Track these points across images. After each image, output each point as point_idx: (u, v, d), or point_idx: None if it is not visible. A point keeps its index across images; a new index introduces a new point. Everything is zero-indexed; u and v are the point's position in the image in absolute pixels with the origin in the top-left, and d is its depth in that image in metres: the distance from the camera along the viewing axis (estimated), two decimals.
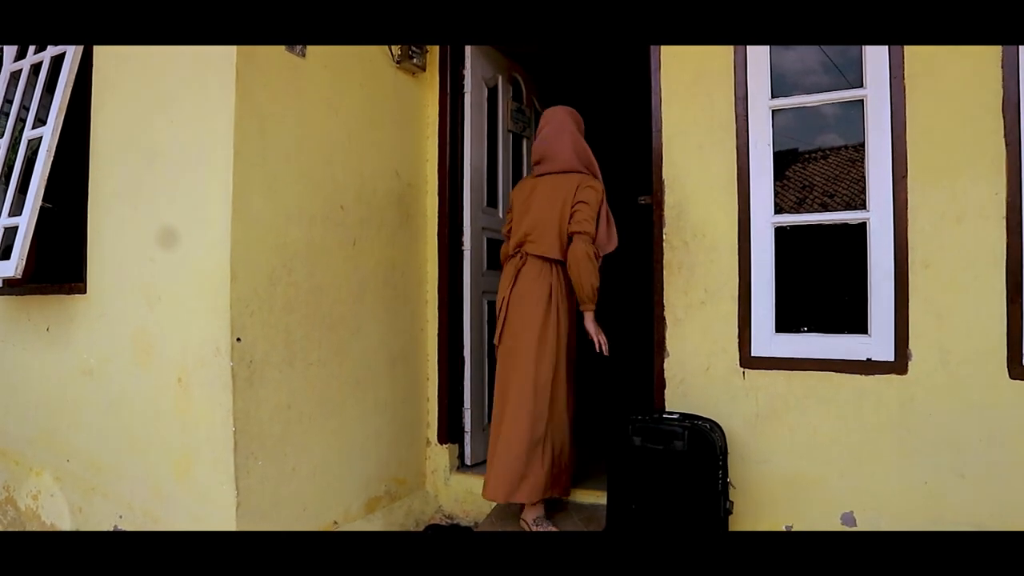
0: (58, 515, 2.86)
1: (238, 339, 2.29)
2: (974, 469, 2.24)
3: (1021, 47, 2.18)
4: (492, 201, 3.57)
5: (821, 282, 2.76)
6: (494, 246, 3.52)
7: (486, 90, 3.48)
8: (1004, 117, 2.20)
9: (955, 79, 2.27)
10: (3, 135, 2.98)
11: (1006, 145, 2.19)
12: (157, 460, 2.50)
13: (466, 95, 3.34)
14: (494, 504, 3.00)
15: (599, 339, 2.69)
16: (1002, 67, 2.20)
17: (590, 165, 2.77)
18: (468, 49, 3.36)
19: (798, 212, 2.66)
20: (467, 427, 3.32)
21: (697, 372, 2.64)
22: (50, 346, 2.92)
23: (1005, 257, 2.20)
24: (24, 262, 2.62)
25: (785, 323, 2.55)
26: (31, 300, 3.01)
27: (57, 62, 2.84)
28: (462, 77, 3.35)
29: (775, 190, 2.60)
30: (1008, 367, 2.20)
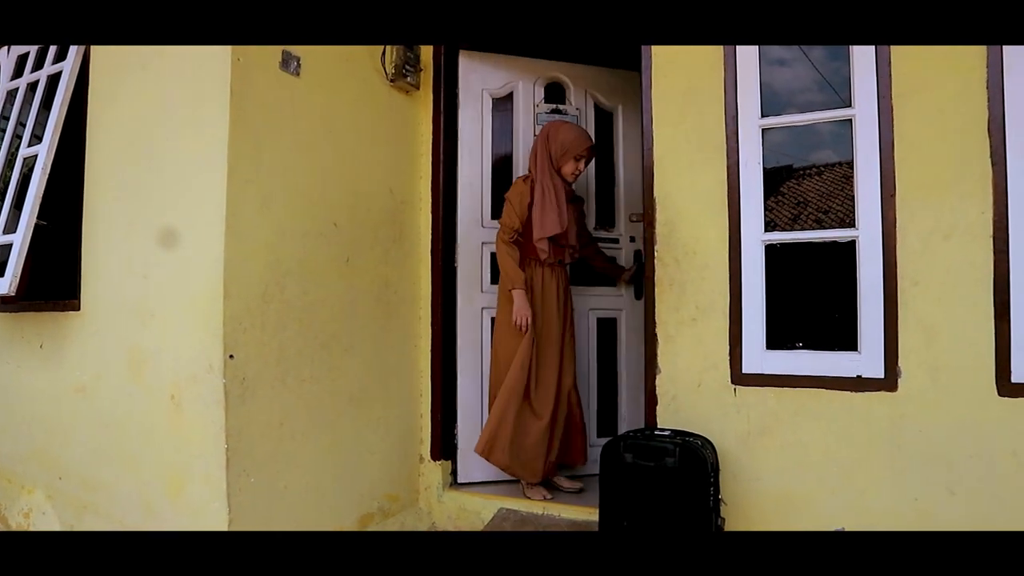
0: None
1: (231, 356, 2.29)
2: (964, 486, 2.25)
3: (1004, 71, 2.21)
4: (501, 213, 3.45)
5: (812, 299, 2.78)
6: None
7: (490, 101, 3.47)
8: (990, 137, 2.22)
9: (942, 99, 2.30)
10: None
11: (992, 165, 2.22)
12: (150, 478, 2.50)
13: (460, 111, 3.37)
14: (488, 520, 2.99)
15: (517, 317, 3.03)
16: (987, 88, 2.22)
17: (535, 166, 3.14)
18: (460, 64, 3.39)
19: (792, 229, 2.68)
20: (459, 444, 3.32)
21: (689, 389, 2.65)
22: (43, 363, 2.92)
23: (992, 275, 2.22)
24: (18, 279, 2.63)
25: (776, 340, 2.56)
26: (24, 317, 3.01)
27: (54, 80, 2.86)
28: (457, 93, 3.37)
29: (770, 207, 2.62)
30: (997, 384, 2.21)
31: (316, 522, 2.63)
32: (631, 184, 3.54)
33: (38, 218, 2.69)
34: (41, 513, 2.90)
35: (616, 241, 3.58)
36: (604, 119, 3.67)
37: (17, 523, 2.98)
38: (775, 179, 2.70)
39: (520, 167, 3.51)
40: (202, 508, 2.33)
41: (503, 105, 3.52)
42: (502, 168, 3.50)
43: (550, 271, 3.15)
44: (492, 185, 3.46)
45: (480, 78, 3.44)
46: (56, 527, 2.82)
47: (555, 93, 3.63)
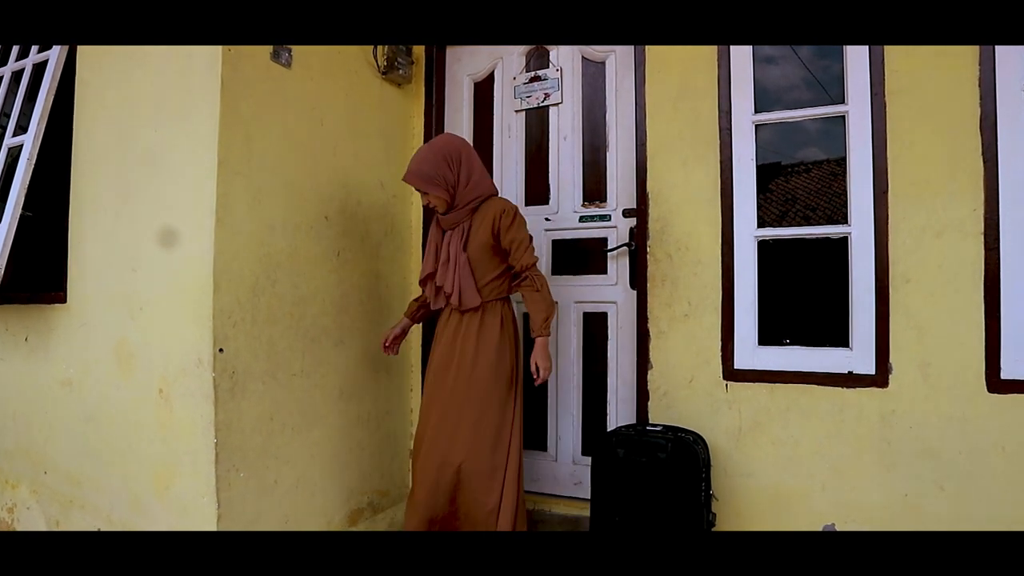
0: (34, 528, 2.81)
1: (220, 350, 2.27)
2: (953, 481, 2.27)
3: (996, 69, 2.22)
4: None
5: (804, 295, 2.79)
6: None
7: (471, 86, 3.38)
8: (982, 135, 2.23)
9: (934, 97, 2.31)
10: None
11: (983, 162, 2.23)
12: (137, 472, 2.47)
13: (446, 103, 3.35)
14: None
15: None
16: (979, 86, 2.24)
17: None
18: (447, 56, 3.36)
19: (780, 225, 2.68)
20: None
21: (681, 384, 2.66)
22: (28, 357, 2.88)
23: (983, 272, 2.23)
24: (2, 271, 2.59)
25: (768, 336, 2.57)
26: (9, 310, 2.97)
27: (39, 69, 2.81)
28: (444, 85, 3.34)
29: (759, 204, 2.62)
30: (986, 380, 2.23)
31: (306, 517, 2.61)
32: (625, 147, 2.97)
33: (23, 209, 2.64)
34: (26, 508, 2.86)
35: (608, 218, 3.00)
36: (594, 72, 3.12)
37: (1, 518, 2.95)
38: (764, 176, 2.69)
39: (499, 151, 3.31)
40: (191, 503, 2.31)
41: (484, 87, 3.37)
42: (483, 155, 3.23)
43: (458, 317, 2.55)
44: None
45: (463, 66, 3.38)
46: (41, 523, 2.78)
47: (538, 60, 3.25)
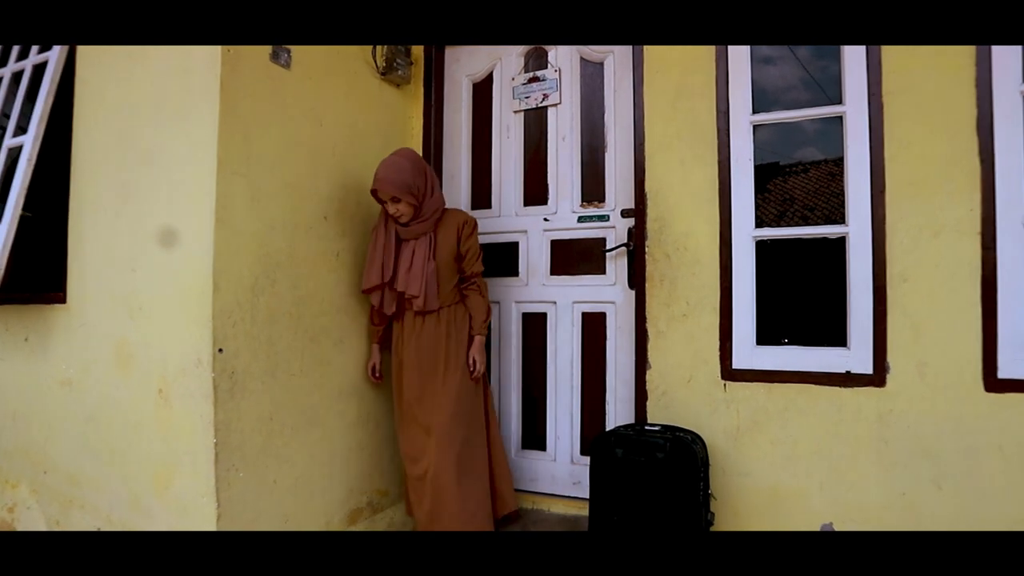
0: (34, 528, 2.81)
1: (220, 350, 2.27)
2: (951, 480, 2.27)
3: (993, 70, 2.23)
4: (485, 201, 3.35)
5: (801, 295, 2.80)
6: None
7: (470, 86, 3.40)
8: (978, 135, 2.24)
9: (932, 97, 2.32)
10: None
11: (980, 162, 2.24)
12: (137, 472, 2.47)
13: (444, 103, 3.36)
14: None
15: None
16: (976, 87, 2.25)
17: None
18: (445, 56, 3.37)
19: (779, 225, 2.69)
20: None
21: (679, 384, 2.66)
22: (28, 357, 2.88)
23: (980, 272, 2.24)
24: (2, 271, 2.59)
25: (766, 336, 2.57)
26: (9, 310, 2.97)
27: (39, 70, 2.82)
28: (442, 86, 3.35)
29: (757, 204, 2.63)
30: (983, 380, 2.23)
31: (305, 517, 2.61)
32: (623, 148, 3.00)
33: (23, 209, 2.64)
34: (26, 508, 2.86)
35: (606, 218, 3.03)
36: (593, 72, 3.13)
37: (1, 517, 2.95)
38: (762, 176, 2.70)
39: (498, 152, 3.33)
40: (190, 503, 2.31)
41: (483, 88, 3.40)
42: (482, 156, 3.37)
43: (420, 322, 2.78)
44: (471, 174, 3.39)
45: (462, 67, 3.40)
46: (41, 522, 2.79)
47: (536, 61, 3.27)
